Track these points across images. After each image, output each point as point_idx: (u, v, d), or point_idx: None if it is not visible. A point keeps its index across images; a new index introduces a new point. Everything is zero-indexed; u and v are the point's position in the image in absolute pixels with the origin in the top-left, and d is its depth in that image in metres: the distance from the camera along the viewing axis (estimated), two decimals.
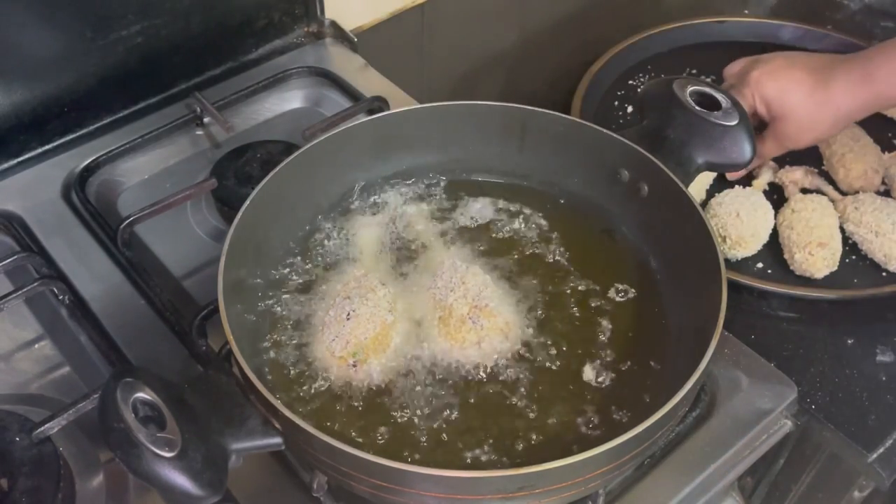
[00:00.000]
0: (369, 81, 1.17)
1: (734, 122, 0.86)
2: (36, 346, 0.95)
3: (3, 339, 0.94)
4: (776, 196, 1.07)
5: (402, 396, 0.76)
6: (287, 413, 0.64)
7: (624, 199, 0.88)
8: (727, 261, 0.99)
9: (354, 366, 0.77)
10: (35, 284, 0.89)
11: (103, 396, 0.61)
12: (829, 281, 0.98)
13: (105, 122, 1.11)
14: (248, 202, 0.80)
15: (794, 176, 1.08)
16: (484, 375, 0.78)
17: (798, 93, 0.95)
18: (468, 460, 0.72)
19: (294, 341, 0.80)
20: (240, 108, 1.14)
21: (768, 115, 0.98)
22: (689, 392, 0.67)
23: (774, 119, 0.98)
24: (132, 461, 0.59)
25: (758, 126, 1.01)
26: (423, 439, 0.73)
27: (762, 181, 1.08)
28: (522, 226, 0.90)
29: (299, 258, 0.87)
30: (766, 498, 1.02)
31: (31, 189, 1.03)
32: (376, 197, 0.93)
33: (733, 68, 1.05)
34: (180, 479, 0.59)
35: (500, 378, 0.78)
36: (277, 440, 0.67)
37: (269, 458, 0.79)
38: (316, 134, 0.99)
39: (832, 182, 1.09)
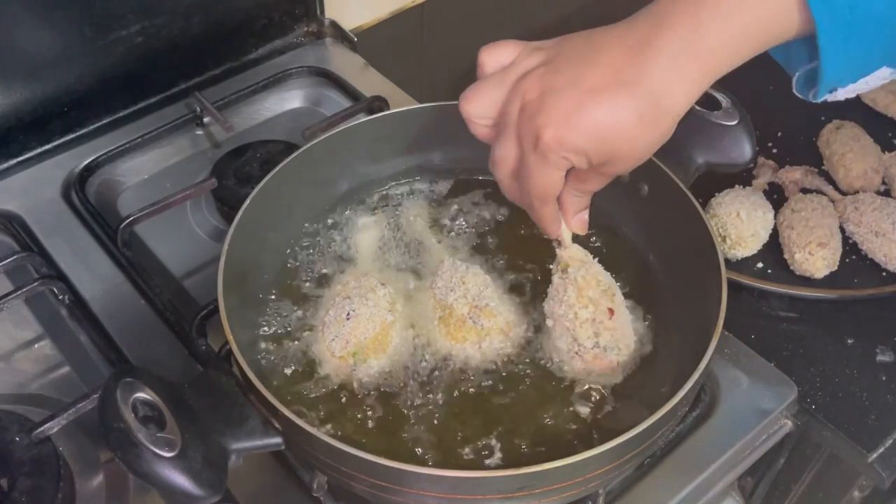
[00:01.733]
0: (369, 81, 1.17)
1: (734, 122, 0.86)
2: (36, 345, 0.95)
3: (3, 338, 0.94)
4: (776, 196, 1.07)
5: (402, 396, 0.76)
6: (287, 413, 0.64)
7: (624, 198, 0.88)
8: (727, 260, 0.99)
9: (354, 366, 0.77)
10: (35, 284, 0.89)
11: (103, 396, 0.61)
12: (829, 281, 0.98)
13: (105, 121, 1.11)
14: (248, 202, 0.80)
15: (794, 176, 1.08)
16: (485, 375, 0.78)
17: (622, 127, 0.62)
18: (469, 460, 0.72)
19: (294, 341, 0.80)
20: (240, 107, 1.14)
21: (589, 164, 0.65)
22: (688, 392, 0.67)
23: (600, 164, 0.66)
24: (132, 461, 0.59)
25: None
26: (424, 439, 0.73)
27: (762, 181, 1.08)
28: (522, 225, 0.90)
29: (299, 258, 0.87)
30: (766, 498, 1.02)
31: (31, 189, 1.03)
32: (376, 197, 0.93)
33: (479, 107, 0.69)
34: (180, 479, 0.59)
35: (501, 378, 0.78)
36: (277, 440, 0.67)
37: (269, 458, 0.79)
38: (316, 134, 0.98)
39: (832, 182, 1.09)
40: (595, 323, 0.75)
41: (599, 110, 0.62)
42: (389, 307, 0.80)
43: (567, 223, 0.75)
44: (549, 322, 0.77)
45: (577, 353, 0.76)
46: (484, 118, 0.69)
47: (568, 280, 0.76)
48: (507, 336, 0.80)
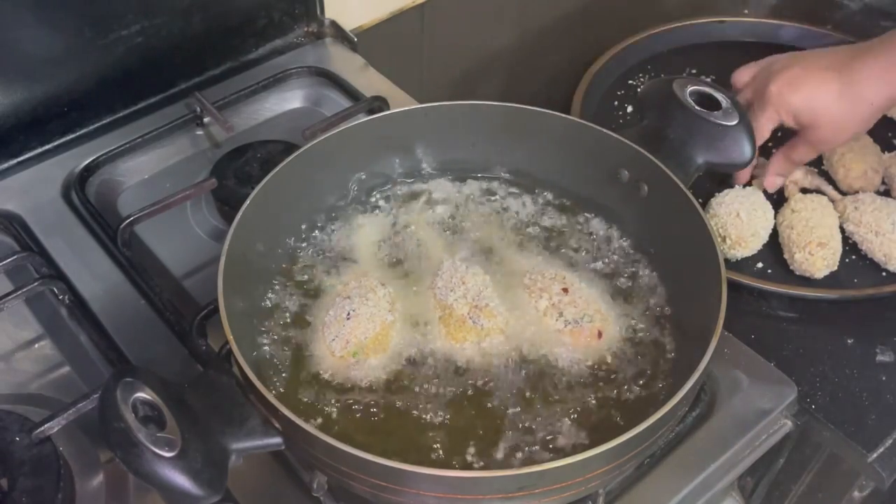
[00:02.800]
0: (369, 81, 1.17)
1: (734, 122, 0.86)
2: (36, 345, 0.95)
3: (3, 338, 0.94)
4: (776, 196, 1.07)
5: (401, 396, 0.76)
6: (287, 413, 0.64)
7: (624, 198, 0.88)
8: (727, 260, 0.99)
9: (355, 365, 0.77)
10: (35, 284, 0.89)
11: (103, 396, 0.61)
12: (829, 281, 0.98)
13: (105, 121, 1.11)
14: (248, 202, 0.79)
15: (794, 176, 1.08)
16: (485, 375, 0.78)
17: (826, 97, 0.92)
18: (469, 460, 0.72)
19: (294, 341, 0.80)
20: (240, 107, 1.14)
21: (797, 124, 0.96)
22: (688, 392, 0.67)
23: (805, 127, 0.95)
24: (132, 461, 0.59)
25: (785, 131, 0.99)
26: (423, 438, 0.73)
27: (762, 181, 1.08)
28: (522, 225, 0.90)
29: (300, 258, 0.87)
30: (766, 498, 1.02)
31: (32, 189, 1.03)
32: (376, 197, 0.93)
33: (741, 77, 1.02)
34: (180, 479, 0.59)
35: (501, 378, 0.77)
36: (277, 440, 0.67)
37: (269, 458, 0.79)
38: (316, 134, 0.98)
39: (832, 182, 1.09)
40: (555, 306, 0.80)
41: (811, 80, 0.92)
42: (389, 307, 0.80)
43: (766, 178, 1.03)
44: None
45: (558, 339, 0.78)
46: (740, 83, 1.02)
47: (520, 287, 0.82)
48: (507, 336, 0.80)
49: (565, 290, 0.81)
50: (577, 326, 0.79)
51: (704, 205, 1.02)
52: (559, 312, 0.80)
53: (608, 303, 0.83)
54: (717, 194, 1.02)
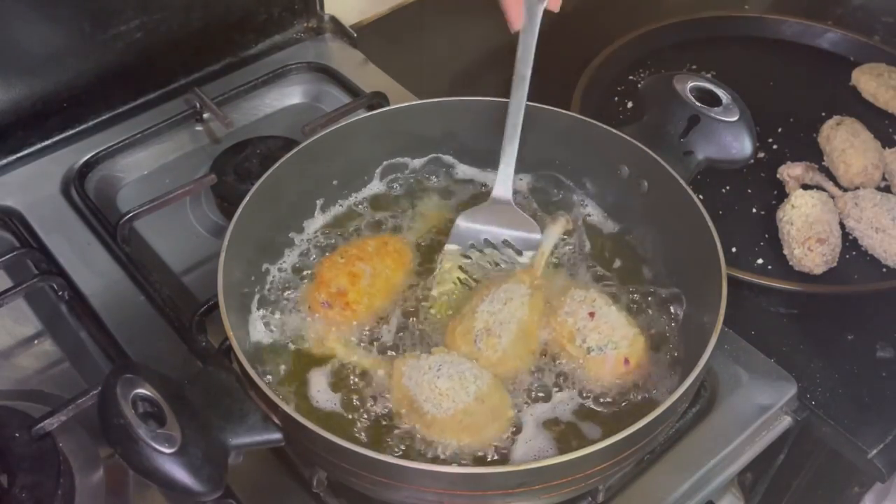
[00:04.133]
0: (369, 77, 1.17)
1: (735, 118, 0.86)
2: (35, 341, 0.95)
3: (3, 335, 0.94)
4: (776, 191, 1.07)
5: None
6: (286, 409, 0.64)
7: (624, 195, 0.88)
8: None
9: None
10: (34, 280, 0.89)
11: (103, 392, 0.61)
12: (830, 277, 0.98)
13: (104, 117, 1.11)
14: (247, 198, 0.79)
15: (795, 172, 1.08)
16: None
17: None
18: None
19: (293, 335, 0.80)
20: (239, 103, 1.14)
21: None
22: (689, 388, 0.67)
23: None
24: (132, 457, 0.59)
25: None
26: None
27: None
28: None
29: (299, 253, 0.87)
30: (766, 493, 1.02)
31: (31, 185, 1.03)
32: (376, 192, 0.93)
33: None
34: (180, 475, 0.59)
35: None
36: (277, 436, 0.67)
37: (268, 454, 0.79)
38: (315, 129, 0.98)
39: (832, 178, 1.08)
40: (580, 331, 0.77)
41: None
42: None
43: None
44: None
45: (580, 364, 0.77)
46: None
47: (548, 307, 0.80)
48: (496, 370, 0.76)
49: (591, 315, 0.78)
50: (600, 354, 0.76)
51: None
52: (583, 339, 0.77)
53: (633, 324, 0.79)
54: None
